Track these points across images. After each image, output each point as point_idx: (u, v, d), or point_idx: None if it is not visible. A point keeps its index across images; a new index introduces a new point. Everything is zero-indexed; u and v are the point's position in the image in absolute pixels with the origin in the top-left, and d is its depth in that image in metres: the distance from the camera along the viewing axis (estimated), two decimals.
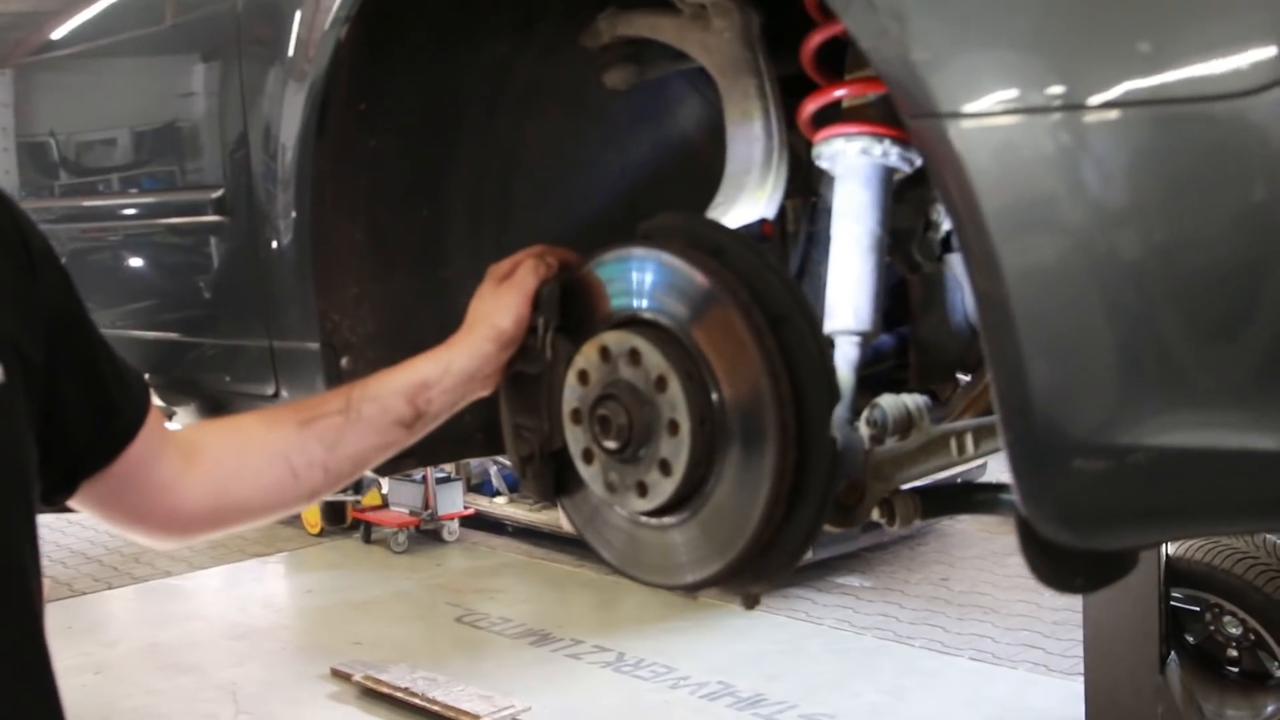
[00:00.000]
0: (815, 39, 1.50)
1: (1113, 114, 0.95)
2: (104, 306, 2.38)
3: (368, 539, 8.40)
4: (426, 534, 8.32)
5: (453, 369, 1.50)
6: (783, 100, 1.56)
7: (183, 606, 7.25)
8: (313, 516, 8.47)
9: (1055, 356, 1.01)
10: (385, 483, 8.09)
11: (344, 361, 1.77)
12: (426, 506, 8.19)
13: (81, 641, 6.44)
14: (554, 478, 1.55)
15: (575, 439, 1.48)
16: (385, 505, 8.35)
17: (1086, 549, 1.16)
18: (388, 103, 1.71)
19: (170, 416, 2.17)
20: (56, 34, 2.47)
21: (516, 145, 1.81)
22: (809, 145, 1.56)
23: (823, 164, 1.50)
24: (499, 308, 1.51)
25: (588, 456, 1.47)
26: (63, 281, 1.31)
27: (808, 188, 1.71)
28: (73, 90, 2.41)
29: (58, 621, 6.35)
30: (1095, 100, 0.95)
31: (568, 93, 1.81)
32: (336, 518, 8.45)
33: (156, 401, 1.95)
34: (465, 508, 8.41)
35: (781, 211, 1.63)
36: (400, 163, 1.76)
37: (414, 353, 1.53)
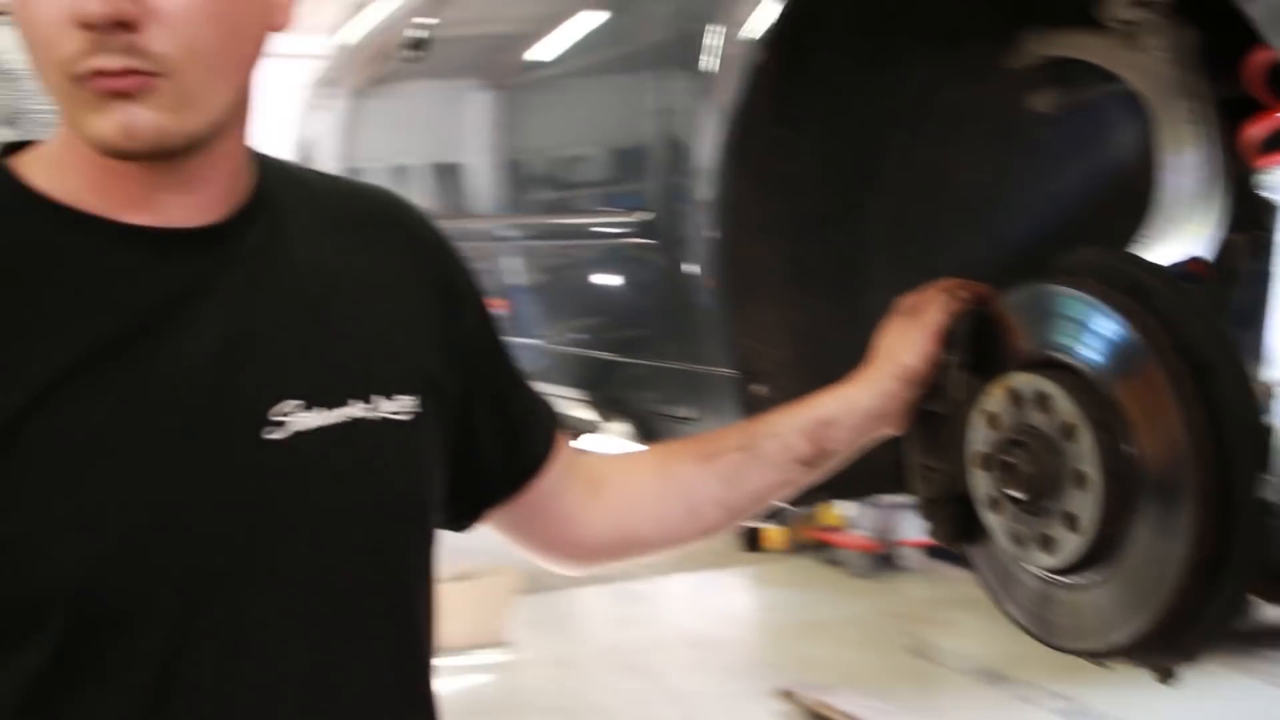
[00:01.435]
0: (1261, 57, 1.36)
1: None
2: (541, 323, 2.48)
3: (827, 560, 8.40)
4: (886, 559, 8.22)
5: (856, 407, 1.45)
6: (1224, 125, 1.42)
7: (644, 611, 7.48)
8: (775, 534, 8.55)
9: None
10: (846, 506, 8.06)
11: (758, 389, 1.75)
12: (887, 532, 8.10)
13: (549, 635, 6.76)
14: (960, 523, 1.47)
15: (981, 485, 1.40)
16: (846, 528, 8.32)
17: None
18: (807, 127, 1.68)
19: (601, 431, 2.23)
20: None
21: (941, 172, 1.74)
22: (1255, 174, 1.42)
23: (1267, 194, 1.35)
24: (905, 344, 1.45)
25: (994, 504, 1.38)
26: (483, 316, 1.35)
27: (1256, 221, 1.55)
28: (504, 114, 2.51)
29: (529, 614, 6.72)
30: None
31: (995, 117, 1.72)
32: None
33: (588, 426, 2.01)
34: (927, 536, 8.24)
35: (1227, 247, 1.48)
36: (820, 188, 1.73)
37: (830, 382, 1.50)
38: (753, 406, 1.73)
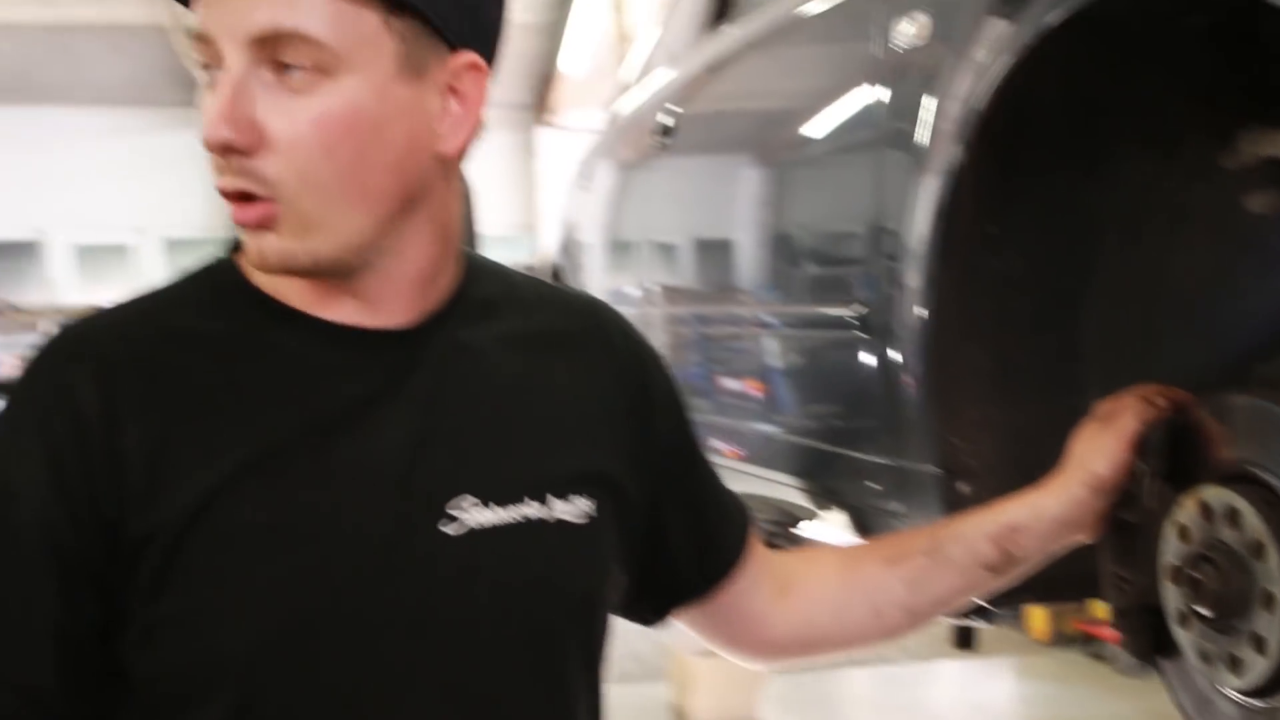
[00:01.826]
0: None
1: None
2: (766, 408, 2.50)
3: (1093, 655, 8.08)
4: None
5: (1043, 514, 1.43)
6: None
7: (900, 696, 7.34)
8: (1039, 623, 8.28)
9: None
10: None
11: (962, 487, 1.73)
12: None
13: (801, 716, 6.71)
14: (1152, 636, 1.43)
15: (1171, 598, 1.36)
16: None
17: None
18: (1016, 225, 1.67)
19: (812, 518, 2.24)
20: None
21: (1159, 272, 1.69)
22: None
23: None
24: (1096, 451, 1.43)
25: (1183, 619, 1.34)
26: (679, 420, 1.40)
27: None
28: (737, 197, 2.55)
29: (782, 693, 6.68)
30: None
31: (1216, 216, 1.67)
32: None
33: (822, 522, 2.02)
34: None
35: None
36: (1030, 287, 1.70)
37: (1035, 481, 1.48)
38: (956, 505, 1.72)
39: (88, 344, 1.13)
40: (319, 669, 1.10)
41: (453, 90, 1.14)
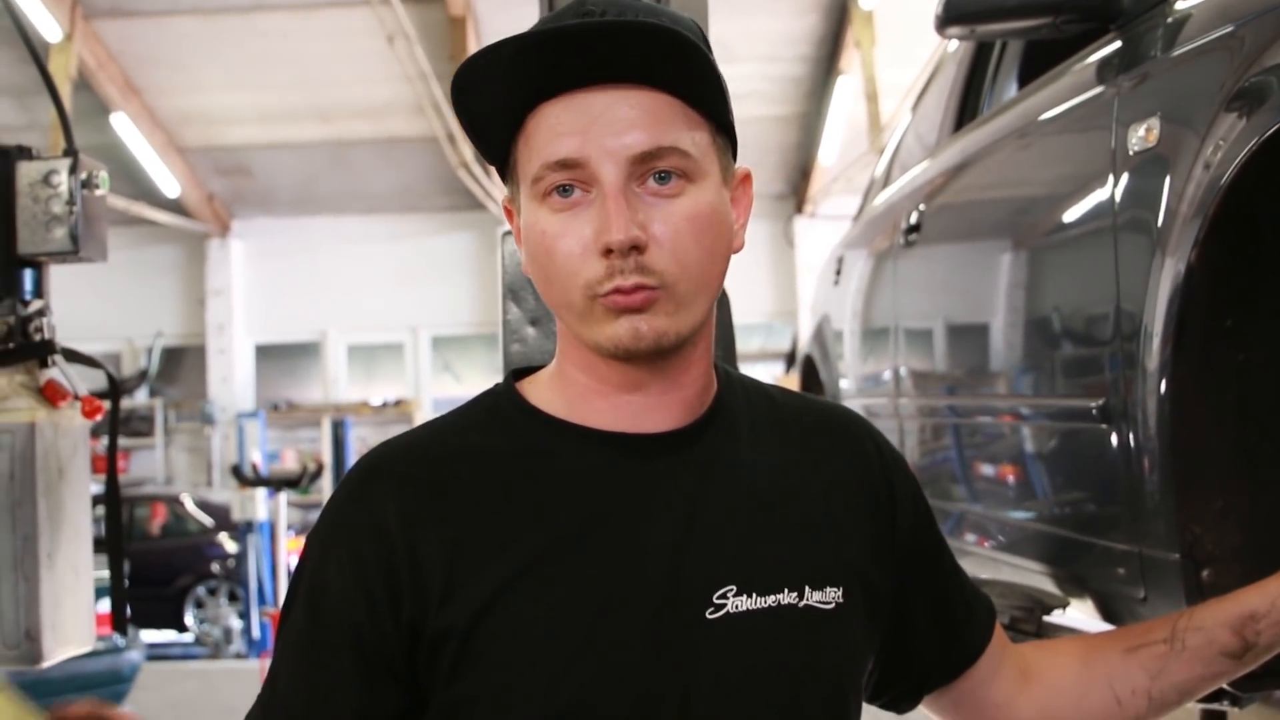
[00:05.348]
0: None
1: None
2: (995, 496, 2.54)
3: None
4: None
5: None
6: None
7: None
8: None
9: None
10: None
11: (1205, 574, 1.76)
12: None
13: None
14: None
15: None
16: None
17: None
18: (1256, 317, 1.71)
19: (1064, 607, 2.26)
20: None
21: None
22: None
23: None
24: None
25: None
26: (921, 519, 1.50)
27: None
28: (977, 289, 2.60)
29: None
30: None
31: None
32: None
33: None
34: None
35: None
36: (1274, 376, 1.73)
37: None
38: (1199, 591, 1.75)
39: (386, 464, 1.33)
40: None
41: (733, 199, 1.34)
